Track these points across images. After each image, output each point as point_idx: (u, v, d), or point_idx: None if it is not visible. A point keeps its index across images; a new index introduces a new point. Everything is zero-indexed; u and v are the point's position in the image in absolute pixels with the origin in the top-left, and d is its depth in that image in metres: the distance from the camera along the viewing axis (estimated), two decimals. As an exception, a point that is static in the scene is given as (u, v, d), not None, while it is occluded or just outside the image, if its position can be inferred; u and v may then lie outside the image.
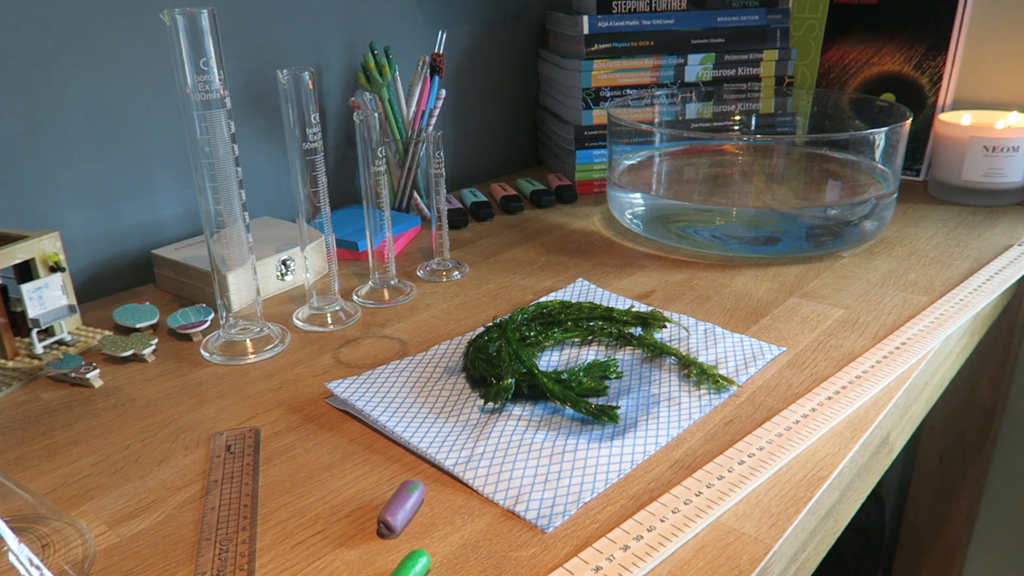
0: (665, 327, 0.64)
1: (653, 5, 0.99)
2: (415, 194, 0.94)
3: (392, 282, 0.74)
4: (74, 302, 0.64)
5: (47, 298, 0.62)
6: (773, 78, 1.04)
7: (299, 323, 0.68)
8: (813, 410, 0.53)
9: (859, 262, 0.78)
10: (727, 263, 0.79)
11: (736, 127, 1.05)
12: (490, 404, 0.54)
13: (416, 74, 0.92)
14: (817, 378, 0.57)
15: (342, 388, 0.56)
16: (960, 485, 1.11)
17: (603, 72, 0.99)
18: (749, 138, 1.03)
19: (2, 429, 0.54)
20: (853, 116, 0.98)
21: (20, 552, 0.35)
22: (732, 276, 0.76)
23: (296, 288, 0.76)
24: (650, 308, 0.68)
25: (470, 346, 0.60)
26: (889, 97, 1.03)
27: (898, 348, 0.61)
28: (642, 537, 0.42)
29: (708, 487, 0.45)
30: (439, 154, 0.73)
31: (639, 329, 0.63)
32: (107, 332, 0.66)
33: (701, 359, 0.59)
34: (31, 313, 0.61)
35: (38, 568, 0.36)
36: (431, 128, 0.92)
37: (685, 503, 0.44)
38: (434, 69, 0.91)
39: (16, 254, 0.61)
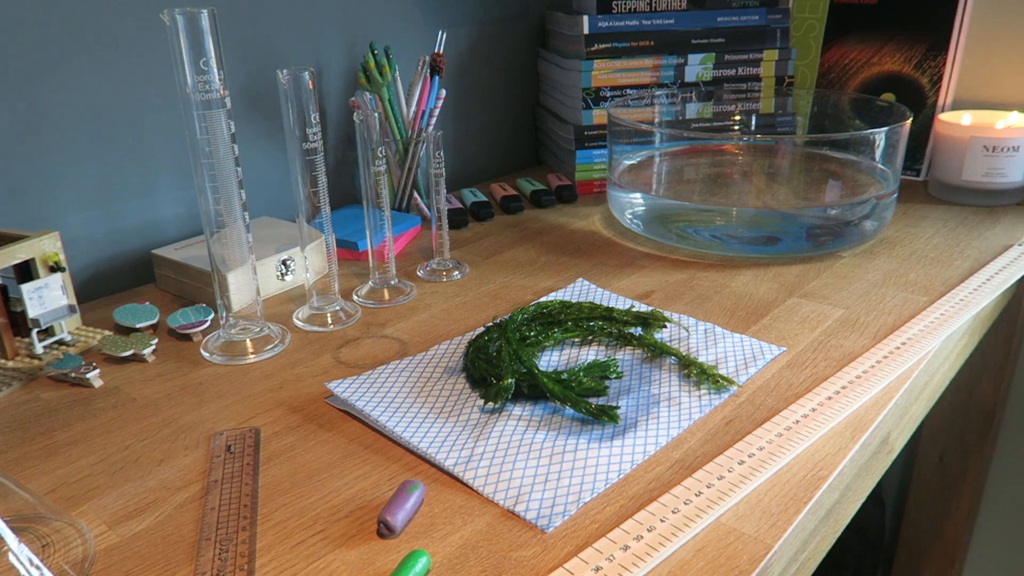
0: (665, 327, 0.64)
1: (653, 5, 0.99)
2: (415, 194, 0.94)
3: (392, 282, 0.74)
4: (74, 302, 0.64)
5: (47, 298, 0.62)
6: (773, 78, 1.04)
7: (299, 323, 0.68)
8: (813, 410, 0.53)
9: (859, 262, 0.78)
10: (727, 263, 0.79)
11: (736, 127, 1.05)
12: (490, 404, 0.54)
13: (416, 74, 0.92)
14: (817, 378, 0.57)
15: (342, 388, 0.56)
16: (960, 485, 1.11)
17: (603, 72, 0.99)
18: (749, 138, 1.03)
19: (2, 429, 0.54)
20: (853, 116, 0.98)
21: (20, 552, 0.35)
22: (732, 276, 0.76)
23: (296, 288, 0.76)
24: (650, 308, 0.68)
25: (470, 346, 0.60)
26: (889, 97, 1.03)
27: (898, 348, 0.61)
28: (642, 537, 0.42)
29: (708, 487, 0.45)
30: (439, 154, 0.73)
31: (639, 329, 0.63)
32: (107, 332, 0.66)
33: (701, 359, 0.59)
34: (31, 313, 0.61)
35: (38, 568, 0.36)
36: (431, 128, 0.92)
37: (685, 503, 0.44)
38: (434, 69, 0.91)
39: (16, 254, 0.61)
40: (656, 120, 1.02)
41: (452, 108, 1.07)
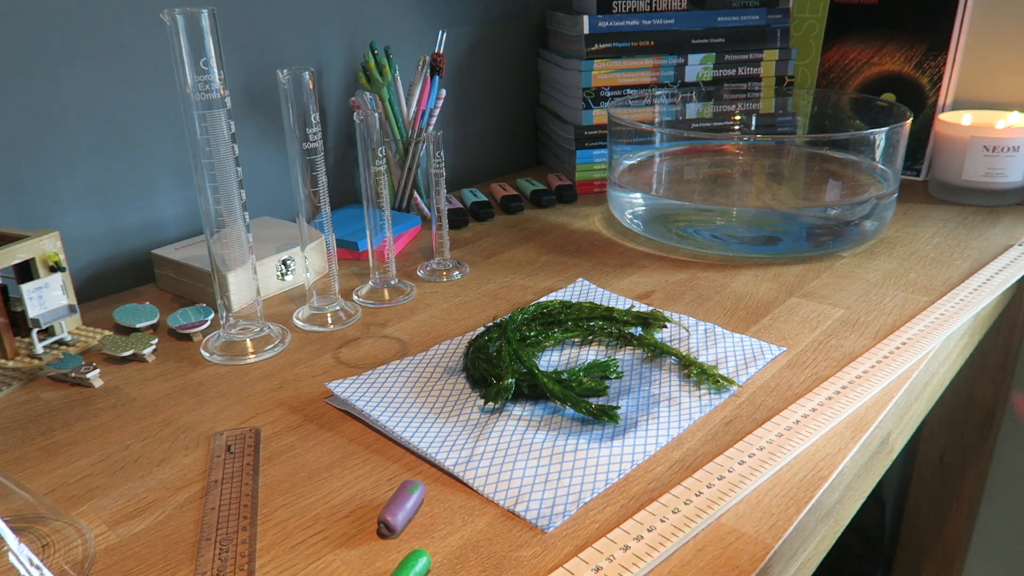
0: (665, 327, 0.64)
1: (653, 5, 0.99)
2: (415, 194, 0.94)
3: (392, 282, 0.74)
4: (74, 302, 0.64)
5: (47, 298, 0.62)
6: (773, 78, 1.04)
7: (299, 323, 0.68)
8: (813, 410, 0.53)
9: (859, 262, 0.78)
10: (727, 263, 0.79)
11: (736, 127, 1.05)
12: (490, 404, 0.54)
13: (416, 74, 0.92)
14: (817, 378, 0.57)
15: (342, 388, 0.56)
16: (960, 485, 1.11)
17: (603, 72, 0.99)
18: (749, 138, 1.03)
19: (2, 429, 0.54)
20: (853, 116, 0.97)
21: (20, 552, 0.35)
22: (732, 276, 0.75)
23: (296, 288, 0.76)
24: (650, 308, 0.68)
25: (470, 346, 0.60)
26: (889, 97, 1.03)
27: (898, 348, 0.61)
28: (642, 537, 0.42)
29: (708, 487, 0.45)
30: (439, 154, 0.73)
31: (639, 329, 0.63)
32: (107, 332, 0.66)
33: (701, 359, 0.59)
34: (31, 313, 0.61)
35: (38, 568, 0.36)
36: (431, 128, 0.92)
37: (685, 503, 0.44)
38: (434, 69, 0.91)
39: (16, 254, 0.61)
40: (656, 120, 1.02)
41: (452, 108, 1.07)
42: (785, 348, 0.61)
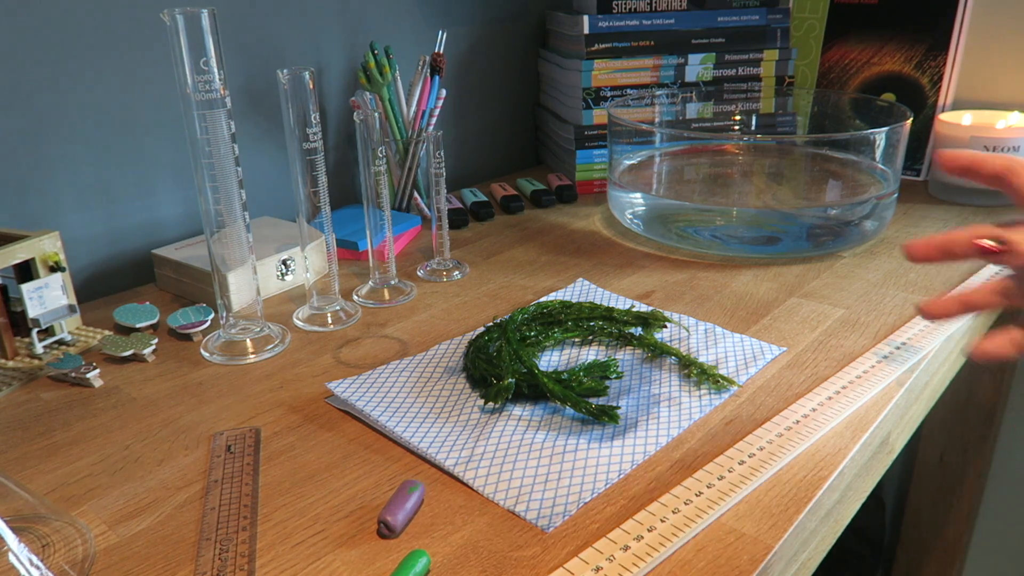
0: (665, 327, 0.64)
1: (653, 5, 0.99)
2: (415, 194, 0.94)
3: (392, 282, 0.74)
4: (74, 302, 0.64)
5: (47, 298, 0.62)
6: (773, 78, 1.04)
7: (299, 323, 0.68)
8: (813, 410, 0.53)
9: (859, 262, 0.78)
10: (727, 263, 0.79)
11: (736, 127, 1.05)
12: (490, 404, 0.54)
13: (416, 74, 0.92)
14: (817, 378, 0.57)
15: (342, 388, 0.56)
16: (960, 485, 1.11)
17: (603, 72, 0.99)
18: (749, 138, 1.03)
19: (2, 429, 0.54)
20: (853, 116, 0.97)
21: (20, 552, 0.35)
22: (732, 276, 0.75)
23: (296, 288, 0.76)
24: (650, 308, 0.67)
25: (470, 346, 0.60)
26: (889, 97, 1.03)
27: (898, 348, 0.61)
28: (642, 537, 0.42)
29: (708, 487, 0.45)
30: (439, 154, 0.73)
31: (639, 329, 0.63)
32: (107, 332, 0.66)
33: (701, 359, 0.59)
34: (31, 313, 0.61)
35: (38, 568, 0.36)
36: (431, 128, 0.92)
37: (685, 503, 0.44)
38: (434, 69, 0.91)
39: (16, 254, 0.61)
40: (656, 120, 1.02)
41: (452, 108, 1.07)
42: (785, 348, 0.61)
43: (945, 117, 0.95)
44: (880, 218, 0.82)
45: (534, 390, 0.54)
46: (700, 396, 0.55)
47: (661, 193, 0.91)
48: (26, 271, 0.63)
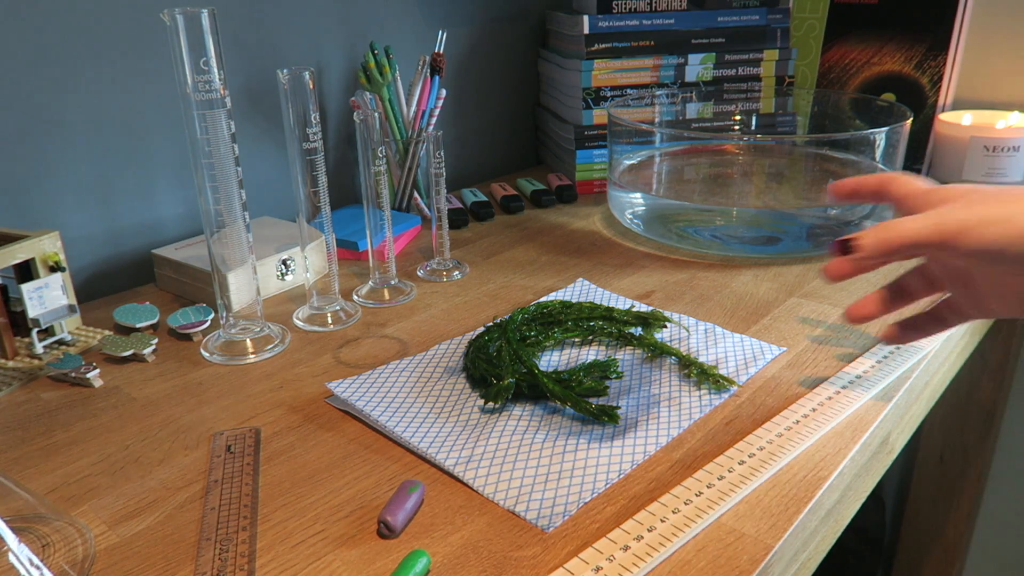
0: (665, 327, 0.64)
1: (653, 5, 0.99)
2: (415, 194, 0.94)
3: (392, 282, 0.74)
4: (74, 302, 0.64)
5: (47, 298, 0.62)
6: (773, 78, 1.04)
7: (299, 323, 0.68)
8: (813, 410, 0.53)
9: (859, 262, 0.78)
10: (727, 263, 0.79)
11: (736, 127, 1.05)
12: (490, 404, 0.54)
13: (416, 74, 0.92)
14: (817, 378, 0.57)
15: (342, 388, 0.56)
16: (960, 485, 1.11)
17: (603, 72, 0.99)
18: (749, 138, 1.03)
19: (2, 429, 0.54)
20: (853, 116, 0.98)
21: (20, 552, 0.35)
22: (732, 276, 0.75)
23: (296, 288, 0.76)
24: (650, 308, 0.67)
25: (470, 346, 0.60)
26: (889, 97, 1.03)
27: (898, 348, 0.61)
28: (642, 537, 0.42)
29: (708, 487, 0.45)
30: (439, 154, 0.73)
31: (639, 329, 0.63)
32: (107, 332, 0.66)
33: (701, 359, 0.59)
34: (31, 313, 0.61)
35: (38, 568, 0.36)
36: (431, 128, 0.92)
37: (685, 503, 0.44)
38: (434, 69, 0.91)
39: (16, 254, 0.61)
40: (656, 120, 1.02)
41: (452, 108, 1.07)
42: (785, 348, 0.61)
43: (945, 117, 0.95)
44: (880, 218, 0.82)
45: (534, 390, 0.54)
46: (700, 396, 0.55)
47: (661, 193, 0.91)
48: (26, 271, 0.63)
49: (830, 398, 0.54)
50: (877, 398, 0.55)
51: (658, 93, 1.01)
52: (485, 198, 0.98)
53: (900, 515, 1.20)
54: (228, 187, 0.59)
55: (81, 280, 0.77)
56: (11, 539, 0.35)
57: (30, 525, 0.44)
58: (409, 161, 0.92)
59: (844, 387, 0.56)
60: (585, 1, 1.01)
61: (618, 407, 0.52)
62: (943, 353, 0.64)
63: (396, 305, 0.72)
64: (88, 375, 0.59)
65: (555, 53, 1.08)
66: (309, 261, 0.68)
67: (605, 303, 0.69)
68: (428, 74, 0.92)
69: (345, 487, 0.47)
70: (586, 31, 0.97)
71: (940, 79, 0.99)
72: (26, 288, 0.61)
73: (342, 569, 0.41)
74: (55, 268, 0.64)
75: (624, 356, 0.61)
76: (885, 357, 0.59)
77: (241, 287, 0.64)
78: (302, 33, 0.89)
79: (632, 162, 0.93)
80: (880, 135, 0.80)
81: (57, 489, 0.48)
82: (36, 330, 0.62)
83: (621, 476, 0.47)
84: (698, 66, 1.01)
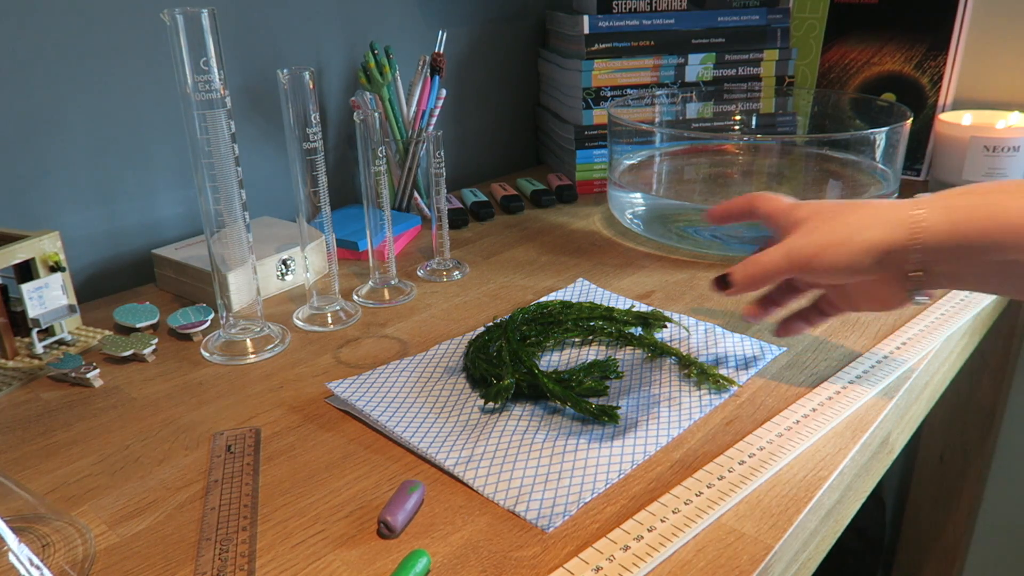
0: (665, 327, 0.64)
1: (653, 5, 0.99)
2: (415, 194, 0.94)
3: (392, 282, 0.74)
4: (74, 302, 0.64)
5: (47, 298, 0.62)
6: (773, 78, 1.04)
7: (299, 323, 0.68)
8: (813, 410, 0.53)
9: (859, 262, 0.78)
10: (727, 263, 0.79)
11: (736, 127, 1.05)
12: (490, 404, 0.54)
13: (416, 74, 0.92)
14: (817, 378, 0.57)
15: (342, 388, 0.56)
16: (960, 485, 1.11)
17: (603, 72, 0.99)
18: (749, 138, 1.03)
19: (2, 429, 0.54)
20: (853, 116, 0.98)
21: (20, 552, 0.35)
22: (732, 276, 0.75)
23: (296, 288, 0.76)
24: (650, 308, 0.68)
25: (470, 346, 0.60)
26: (889, 97, 1.03)
27: (898, 348, 0.61)
28: (642, 537, 0.42)
29: (708, 487, 0.45)
30: (439, 154, 0.73)
31: (639, 329, 0.63)
32: (107, 332, 0.66)
33: (701, 359, 0.59)
34: (31, 313, 0.61)
35: (38, 568, 0.36)
36: (431, 128, 0.92)
37: (685, 503, 0.44)
38: (434, 69, 0.91)
39: (16, 254, 0.61)
40: (656, 120, 1.02)
41: (452, 108, 1.07)
42: (785, 348, 0.61)
43: (945, 117, 0.95)
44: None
45: (534, 390, 0.54)
46: (700, 396, 0.55)
47: (661, 193, 0.91)
48: (26, 271, 0.63)
49: (830, 398, 0.54)
50: (877, 398, 0.55)
51: (658, 93, 1.01)
52: (485, 198, 0.98)
53: (900, 515, 1.20)
54: (228, 187, 0.59)
55: (81, 280, 0.77)
56: (11, 539, 0.35)
57: (30, 525, 0.44)
58: (409, 161, 0.92)
59: (844, 387, 0.56)
60: (585, 1, 1.01)
61: (618, 407, 0.52)
62: (943, 353, 0.64)
63: (396, 305, 0.72)
64: (88, 375, 0.59)
65: (555, 53, 1.08)
66: (309, 261, 0.68)
67: (605, 303, 0.69)
68: (428, 74, 0.92)
69: (345, 487, 0.47)
70: (586, 31, 0.97)
71: (940, 79, 0.99)
72: (26, 288, 0.61)
73: (342, 569, 0.41)
74: (55, 268, 0.64)
75: (624, 356, 0.61)
76: (885, 357, 0.59)
77: (241, 287, 0.64)
78: (302, 33, 0.89)
79: (632, 162, 0.93)
80: (880, 135, 0.80)
81: (57, 489, 0.48)
82: (36, 330, 0.62)
83: (621, 476, 0.47)
84: (698, 66, 1.01)
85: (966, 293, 0.69)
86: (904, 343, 0.61)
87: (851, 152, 0.90)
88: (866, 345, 0.62)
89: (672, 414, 0.53)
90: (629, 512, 0.44)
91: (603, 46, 0.98)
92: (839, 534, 0.53)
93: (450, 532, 0.43)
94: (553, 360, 0.61)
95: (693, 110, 1.04)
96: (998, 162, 0.89)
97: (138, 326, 0.67)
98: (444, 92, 0.92)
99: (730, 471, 0.47)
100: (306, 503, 0.46)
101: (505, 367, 0.55)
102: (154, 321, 0.67)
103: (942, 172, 0.94)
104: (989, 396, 1.03)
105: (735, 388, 0.56)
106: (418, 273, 0.78)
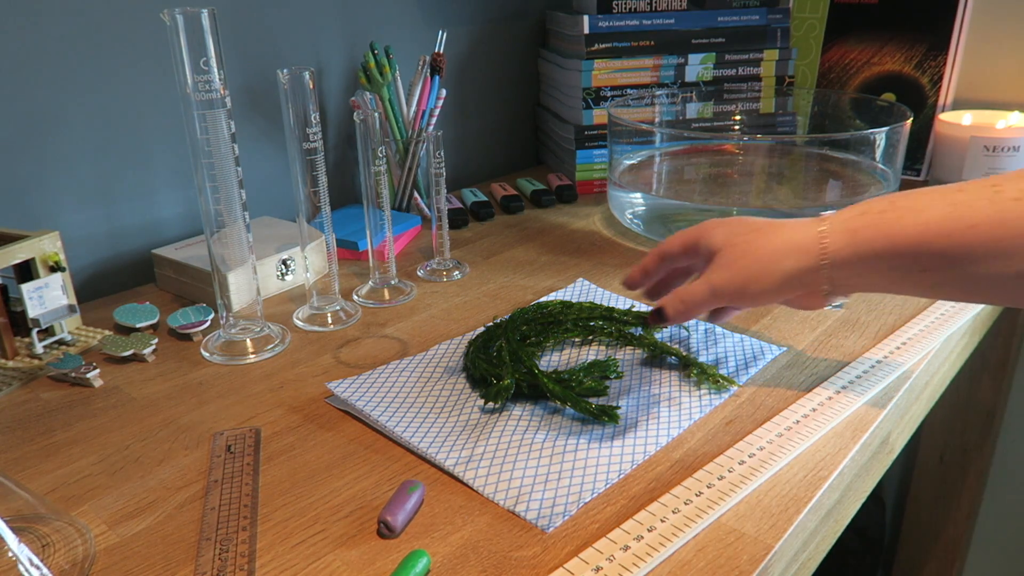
0: (665, 327, 0.64)
1: (653, 5, 0.99)
2: (415, 194, 0.94)
3: (392, 282, 0.74)
4: (74, 302, 0.64)
5: (47, 298, 0.62)
6: (773, 78, 1.04)
7: (299, 323, 0.68)
8: (813, 410, 0.53)
9: (859, 262, 0.78)
10: (727, 263, 0.79)
11: (736, 127, 1.05)
12: (490, 404, 0.54)
13: (416, 74, 0.92)
14: (817, 378, 0.57)
15: (342, 388, 0.56)
16: (960, 485, 1.11)
17: (603, 72, 0.99)
18: (749, 138, 1.03)
19: (2, 429, 0.54)
20: (853, 116, 0.98)
21: (20, 552, 0.35)
22: (732, 276, 0.75)
23: (296, 288, 0.76)
24: (650, 308, 0.67)
25: (470, 346, 0.60)
26: (889, 97, 1.03)
27: (898, 348, 0.61)
28: (642, 537, 0.42)
29: (708, 487, 0.45)
30: (439, 154, 0.73)
31: (639, 329, 0.63)
32: (107, 332, 0.66)
33: (701, 359, 0.59)
34: (31, 313, 0.61)
35: (38, 568, 0.36)
36: (431, 128, 0.92)
37: (685, 503, 0.44)
38: (434, 69, 0.91)
39: (16, 254, 0.61)
40: (656, 120, 1.02)
41: (452, 108, 1.07)
42: (785, 348, 0.61)
43: (945, 117, 0.95)
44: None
45: (534, 390, 0.54)
46: (700, 396, 0.55)
47: (661, 193, 0.91)
48: (26, 271, 0.63)
49: (830, 398, 0.54)
50: (877, 398, 0.55)
51: (658, 93, 1.01)
52: (485, 198, 0.98)
53: (900, 515, 1.20)
54: (228, 187, 0.59)
55: (81, 280, 0.77)
56: (11, 539, 0.35)
57: (30, 525, 0.44)
58: (409, 161, 0.92)
59: (844, 387, 0.56)
60: (585, 1, 1.01)
61: (618, 407, 0.52)
62: (943, 353, 0.64)
63: (396, 305, 0.72)
64: (88, 375, 0.59)
65: (555, 53, 1.08)
66: (309, 261, 0.68)
67: (605, 303, 0.69)
68: (428, 74, 0.92)
69: (345, 487, 0.47)
70: (586, 31, 0.97)
71: (940, 79, 0.99)
72: (26, 288, 0.61)
73: (342, 569, 0.41)
74: (55, 268, 0.64)
75: (624, 356, 0.61)
76: (885, 357, 0.59)
77: (241, 287, 0.64)
78: (302, 33, 0.89)
79: (632, 162, 0.93)
80: (880, 135, 0.80)
81: (57, 489, 0.48)
82: (36, 330, 0.62)
83: (621, 476, 0.47)
84: (698, 66, 1.01)
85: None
86: (904, 343, 0.61)
87: (851, 152, 0.90)
88: (866, 346, 0.62)
89: (672, 414, 0.53)
90: (629, 512, 0.44)
91: (603, 46, 0.98)
92: (839, 534, 0.53)
93: (450, 532, 0.43)
94: (553, 360, 0.61)
95: (693, 110, 1.04)
96: (998, 162, 0.89)
97: (138, 326, 0.67)
98: (444, 92, 0.92)
99: (730, 471, 0.47)
100: (306, 503, 0.46)
101: (505, 367, 0.55)
102: (154, 321, 0.67)
103: (942, 172, 0.94)
104: (989, 396, 1.03)
105: (735, 388, 0.56)
106: (418, 273, 0.78)
